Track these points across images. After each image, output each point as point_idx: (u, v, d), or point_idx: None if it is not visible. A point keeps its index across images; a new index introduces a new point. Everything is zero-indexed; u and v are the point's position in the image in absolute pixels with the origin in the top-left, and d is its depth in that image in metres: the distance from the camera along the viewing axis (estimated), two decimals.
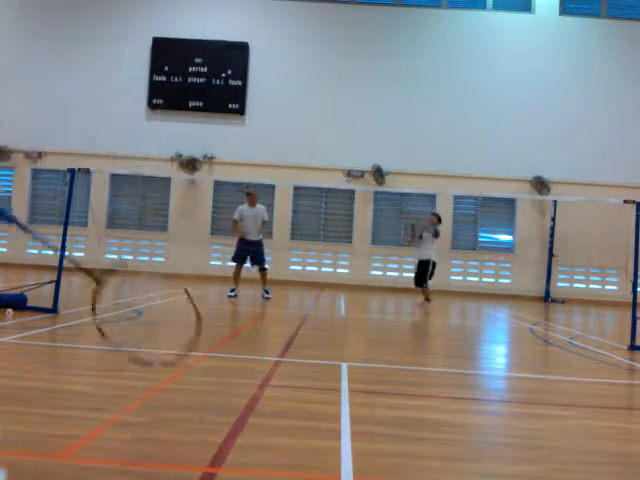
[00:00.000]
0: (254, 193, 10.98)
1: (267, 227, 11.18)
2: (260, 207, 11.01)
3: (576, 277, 17.02)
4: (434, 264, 11.44)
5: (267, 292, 10.96)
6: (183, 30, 17.54)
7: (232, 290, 10.96)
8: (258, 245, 10.94)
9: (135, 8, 17.71)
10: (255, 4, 17.63)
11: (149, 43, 17.48)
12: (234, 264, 11.08)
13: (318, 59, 17.51)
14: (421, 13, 17.64)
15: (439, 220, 11.69)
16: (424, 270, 11.39)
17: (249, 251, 10.90)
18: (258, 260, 10.93)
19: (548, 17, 17.53)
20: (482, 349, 7.17)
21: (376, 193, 17.10)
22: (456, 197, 16.94)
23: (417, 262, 11.59)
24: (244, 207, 10.95)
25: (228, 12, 17.63)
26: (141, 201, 17.54)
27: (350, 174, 16.96)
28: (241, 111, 17.33)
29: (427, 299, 11.56)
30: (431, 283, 11.60)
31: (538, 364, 6.10)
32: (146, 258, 17.33)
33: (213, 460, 2.61)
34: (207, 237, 17.17)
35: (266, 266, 11.12)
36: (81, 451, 2.66)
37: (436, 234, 11.36)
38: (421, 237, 11.44)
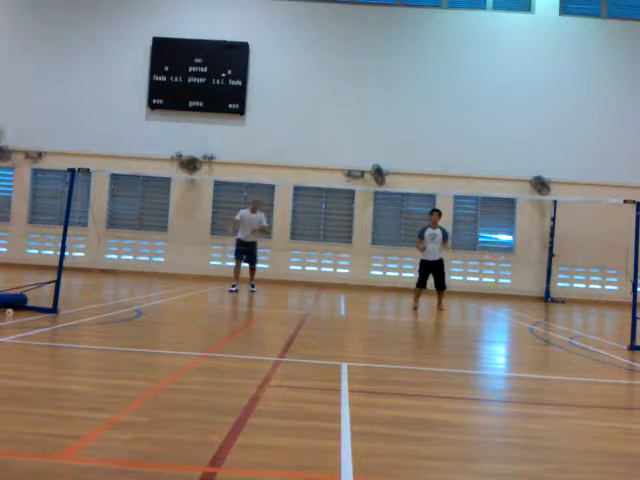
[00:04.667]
0: (257, 201, 12.55)
1: (267, 231, 12.56)
2: (261, 214, 12.48)
3: (576, 277, 17.02)
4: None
5: (252, 286, 12.55)
6: (183, 30, 17.54)
7: (233, 285, 12.28)
8: (252, 246, 12.45)
9: (135, 8, 17.71)
10: (255, 4, 17.63)
11: (149, 43, 17.49)
12: (233, 263, 12.71)
13: (318, 59, 17.50)
14: (421, 13, 17.63)
15: (439, 215, 10.86)
16: (443, 270, 10.74)
17: (244, 251, 12.38)
18: (249, 260, 12.49)
19: (548, 17, 17.53)
20: (482, 349, 7.17)
21: (376, 193, 17.10)
22: (456, 197, 16.94)
23: (426, 264, 10.76)
24: (245, 211, 12.42)
25: (228, 12, 17.63)
26: (141, 201, 17.54)
27: (350, 174, 16.97)
28: (241, 111, 17.33)
29: (415, 307, 10.84)
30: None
31: (538, 364, 6.10)
32: (146, 258, 17.33)
33: (213, 460, 2.61)
34: (207, 237, 17.17)
35: (256, 265, 12.74)
36: (81, 451, 2.66)
37: (445, 237, 10.65)
38: (422, 236, 10.70)
